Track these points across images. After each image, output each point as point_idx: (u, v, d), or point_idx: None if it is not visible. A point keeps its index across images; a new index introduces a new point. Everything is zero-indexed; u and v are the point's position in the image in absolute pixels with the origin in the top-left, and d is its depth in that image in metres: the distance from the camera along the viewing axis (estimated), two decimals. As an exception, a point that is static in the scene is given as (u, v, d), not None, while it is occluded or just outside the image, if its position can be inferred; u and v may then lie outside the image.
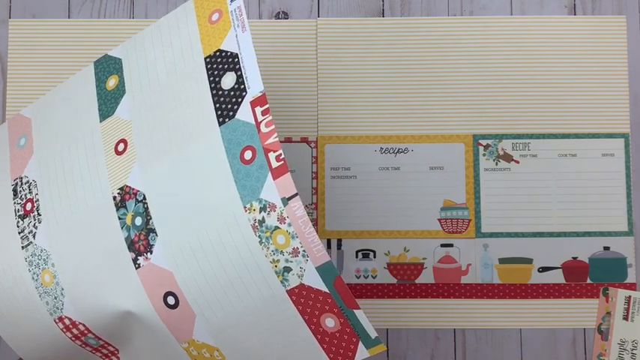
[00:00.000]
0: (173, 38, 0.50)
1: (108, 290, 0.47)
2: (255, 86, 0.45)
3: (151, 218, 0.46)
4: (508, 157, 0.62)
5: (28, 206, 0.51)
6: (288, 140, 0.62)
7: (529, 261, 0.61)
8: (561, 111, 0.62)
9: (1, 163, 0.53)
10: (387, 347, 0.61)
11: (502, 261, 0.61)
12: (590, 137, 0.62)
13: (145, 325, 0.47)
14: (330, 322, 0.44)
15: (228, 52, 0.47)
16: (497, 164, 0.62)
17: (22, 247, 0.51)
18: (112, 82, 0.51)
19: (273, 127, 0.43)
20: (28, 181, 0.52)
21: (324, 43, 0.62)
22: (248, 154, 0.44)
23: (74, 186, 0.50)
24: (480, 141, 0.62)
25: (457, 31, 0.63)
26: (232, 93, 0.46)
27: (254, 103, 0.44)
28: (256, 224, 0.43)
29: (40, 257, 0.50)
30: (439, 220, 0.61)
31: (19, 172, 0.53)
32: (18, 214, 0.52)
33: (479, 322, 0.61)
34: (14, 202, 0.52)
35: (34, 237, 0.50)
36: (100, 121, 0.51)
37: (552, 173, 0.62)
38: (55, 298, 0.49)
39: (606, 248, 0.61)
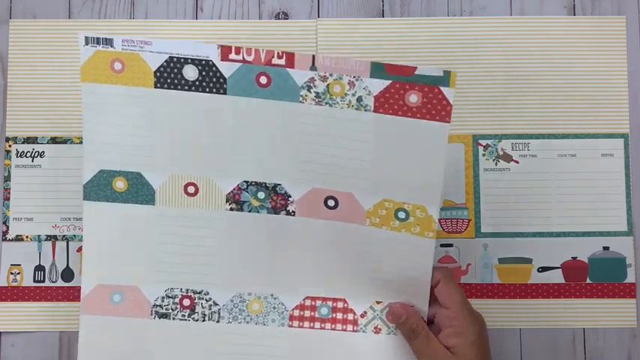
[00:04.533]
0: None
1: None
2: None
3: None
4: (508, 157, 0.62)
5: None
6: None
7: (529, 261, 0.61)
8: (561, 111, 0.62)
9: None
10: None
11: (502, 261, 0.61)
12: (589, 137, 0.62)
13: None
14: (413, 99, 0.49)
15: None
16: (496, 164, 0.62)
17: None
18: None
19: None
20: None
21: (324, 43, 0.62)
22: None
23: None
24: (480, 141, 0.62)
25: (457, 31, 0.63)
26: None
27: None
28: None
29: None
30: (439, 220, 0.61)
31: None
32: None
33: (479, 322, 0.61)
34: None
35: None
36: None
37: (552, 173, 0.62)
38: (274, 307, 0.54)
39: (606, 248, 0.61)
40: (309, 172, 0.52)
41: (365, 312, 0.53)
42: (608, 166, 0.62)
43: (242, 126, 0.51)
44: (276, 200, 0.52)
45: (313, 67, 0.49)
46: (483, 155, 0.62)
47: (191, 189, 0.52)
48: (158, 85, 0.50)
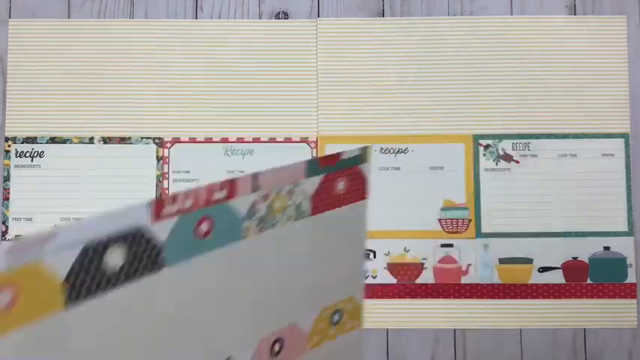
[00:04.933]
0: None
1: None
2: None
3: None
4: (508, 158, 0.62)
5: None
6: (288, 140, 0.62)
7: (529, 261, 0.61)
8: (561, 111, 0.62)
9: None
10: (387, 347, 0.61)
11: (502, 261, 0.61)
12: (590, 137, 0.62)
13: None
14: (340, 186, 0.45)
15: None
16: (497, 164, 0.62)
17: None
18: None
19: None
20: None
21: (324, 43, 0.62)
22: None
23: None
24: (480, 141, 0.62)
25: (457, 31, 0.63)
26: None
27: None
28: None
29: None
30: (439, 220, 0.61)
31: None
32: None
33: (479, 322, 0.61)
34: None
35: None
36: None
37: (552, 173, 0.62)
38: None
39: (606, 248, 0.61)
40: (255, 325, 0.42)
41: None
42: (608, 166, 0.62)
43: (182, 305, 0.37)
44: None
45: (255, 187, 0.39)
46: (484, 155, 0.62)
47: None
48: (71, 300, 0.30)
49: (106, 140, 0.62)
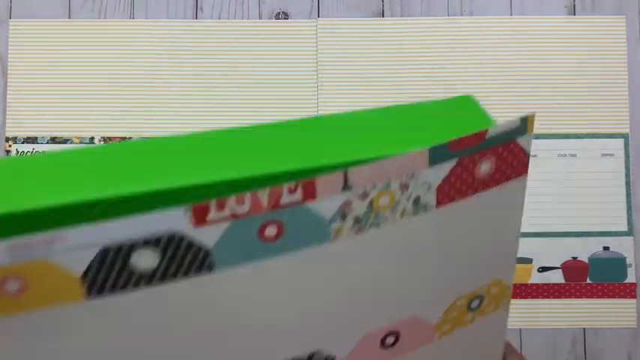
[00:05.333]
0: None
1: None
2: None
3: None
4: (508, 157, 0.62)
5: None
6: (288, 140, 0.62)
7: (529, 261, 0.61)
8: (561, 111, 0.62)
9: None
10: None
11: (502, 261, 0.61)
12: (590, 137, 0.62)
13: None
14: (484, 168, 0.37)
15: None
16: (497, 164, 0.62)
17: None
18: None
19: None
20: None
21: (324, 43, 0.62)
22: None
23: None
24: (480, 141, 0.62)
25: (457, 31, 0.63)
26: None
27: None
28: None
29: None
30: (439, 220, 0.61)
31: None
32: None
33: (479, 322, 0.61)
34: None
35: None
36: None
37: (552, 173, 0.62)
38: None
39: (606, 248, 0.61)
40: (354, 322, 0.40)
41: None
42: (608, 166, 0.62)
43: (241, 310, 0.35)
44: None
45: (346, 187, 0.34)
46: (483, 155, 0.62)
47: None
48: (92, 293, 0.30)
49: (106, 140, 0.62)
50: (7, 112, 0.62)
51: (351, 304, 0.38)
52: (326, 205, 0.32)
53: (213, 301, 0.33)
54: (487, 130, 0.34)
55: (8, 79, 0.62)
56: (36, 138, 0.62)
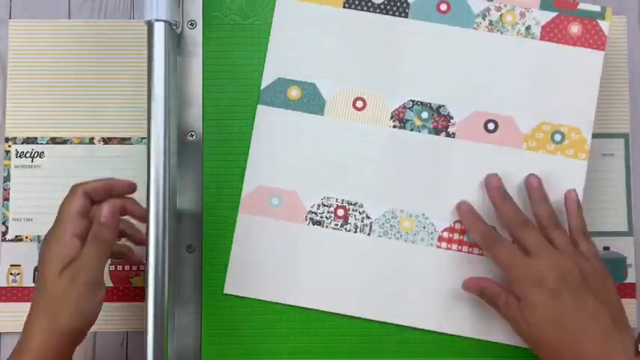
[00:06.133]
0: None
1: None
2: None
3: None
4: (508, 157, 0.62)
5: None
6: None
7: (529, 261, 0.61)
8: (561, 111, 0.62)
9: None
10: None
11: (502, 261, 0.61)
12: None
13: None
14: (574, 29, 0.58)
15: None
16: (497, 164, 0.62)
17: None
18: None
19: None
20: None
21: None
22: None
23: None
24: (480, 141, 0.62)
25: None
26: None
27: None
28: None
29: None
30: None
31: None
32: None
33: (479, 322, 0.61)
34: None
35: None
36: None
37: (552, 173, 0.62)
38: (424, 227, 0.57)
39: (606, 248, 0.61)
40: (472, 96, 0.57)
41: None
42: (609, 166, 0.62)
43: (417, 48, 0.57)
44: (438, 121, 0.57)
45: None
46: (483, 155, 0.62)
47: (359, 103, 0.57)
48: (347, 5, 0.58)
49: (106, 140, 0.62)
50: (7, 112, 0.62)
51: (470, 85, 0.57)
52: (477, 4, 0.57)
53: (402, 34, 0.58)
54: (579, 3, 0.57)
55: (8, 80, 0.62)
56: (36, 138, 0.62)
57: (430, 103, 0.57)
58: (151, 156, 0.52)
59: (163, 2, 0.54)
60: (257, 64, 0.59)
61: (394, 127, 0.57)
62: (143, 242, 0.52)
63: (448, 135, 0.57)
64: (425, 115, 0.57)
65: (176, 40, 0.59)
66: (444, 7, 0.57)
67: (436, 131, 0.57)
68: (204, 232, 0.58)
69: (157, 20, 0.53)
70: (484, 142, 0.57)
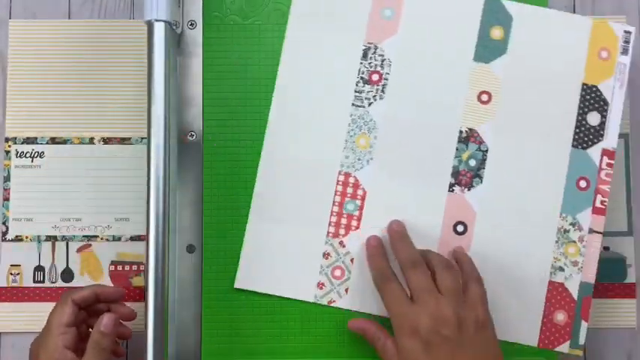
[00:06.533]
0: (566, 42, 0.59)
1: (415, 185, 0.57)
2: (611, 140, 0.58)
3: (484, 168, 0.58)
4: (508, 157, 0.62)
5: (375, 77, 0.58)
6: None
7: (529, 261, 0.61)
8: (561, 111, 0.62)
9: (355, 18, 0.58)
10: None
11: (502, 261, 0.61)
12: (590, 137, 0.62)
13: (420, 230, 0.57)
14: (560, 317, 0.57)
15: (602, 95, 0.58)
16: (497, 164, 0.62)
17: (353, 105, 0.58)
18: (497, 33, 0.59)
19: (610, 179, 0.58)
20: (382, 55, 0.58)
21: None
22: (583, 183, 0.57)
23: (424, 97, 0.58)
24: (480, 141, 0.62)
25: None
26: (592, 131, 0.58)
27: (605, 152, 0.58)
28: (561, 229, 0.57)
29: (365, 123, 0.58)
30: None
31: (375, 39, 0.59)
32: (361, 75, 0.58)
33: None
34: (361, 62, 0.58)
35: (368, 105, 0.58)
36: (473, 60, 0.58)
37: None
38: (359, 159, 0.58)
39: (606, 248, 0.61)
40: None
41: None
42: (609, 166, 0.62)
43: None
44: None
45: (592, 232, 0.58)
46: (483, 155, 0.62)
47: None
48: None
49: (106, 140, 0.62)
50: (7, 112, 0.62)
51: None
52: None
53: None
54: None
55: (8, 80, 0.62)
56: (36, 138, 0.62)
57: None
58: (151, 156, 0.52)
59: (163, 2, 0.54)
60: (257, 64, 0.59)
61: None
62: (129, 337, 0.56)
63: None
64: None
65: (176, 40, 0.59)
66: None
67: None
68: (204, 232, 0.58)
69: (156, 20, 0.53)
70: None
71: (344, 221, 0.57)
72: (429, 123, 0.58)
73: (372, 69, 0.58)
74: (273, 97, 0.58)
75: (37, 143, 0.62)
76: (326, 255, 0.57)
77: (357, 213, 0.57)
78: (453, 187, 0.57)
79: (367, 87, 0.58)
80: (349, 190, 0.57)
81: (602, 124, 0.58)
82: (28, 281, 0.61)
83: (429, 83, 0.58)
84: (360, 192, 0.57)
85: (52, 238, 0.61)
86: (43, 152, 0.61)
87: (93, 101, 0.62)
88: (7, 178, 0.61)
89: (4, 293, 0.61)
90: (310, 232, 0.57)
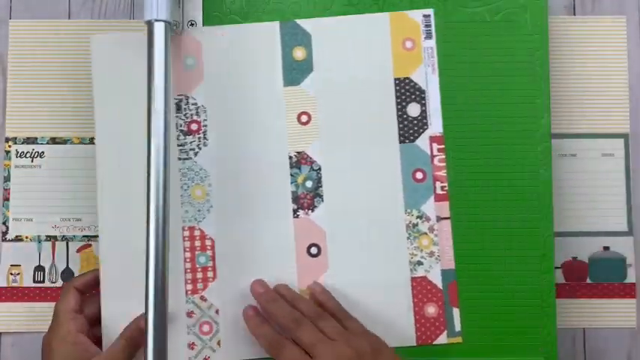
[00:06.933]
0: (368, 43, 0.58)
1: (260, 220, 0.57)
2: (436, 126, 0.58)
3: (321, 186, 0.57)
4: (508, 157, 0.62)
5: (194, 126, 0.58)
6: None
7: (529, 261, 0.61)
8: (561, 111, 0.62)
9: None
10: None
11: (502, 261, 0.61)
12: (589, 137, 0.62)
13: (276, 262, 0.57)
14: (430, 310, 0.57)
15: (417, 84, 0.58)
16: (497, 164, 0.62)
17: (179, 159, 0.57)
18: (299, 54, 0.58)
19: (444, 164, 0.57)
20: (195, 104, 0.58)
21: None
22: (419, 175, 0.57)
23: (246, 133, 0.57)
24: (480, 141, 0.62)
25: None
26: (415, 122, 0.58)
27: (432, 139, 0.58)
28: (410, 225, 0.57)
29: (196, 173, 0.57)
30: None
31: (185, 90, 0.58)
32: (180, 128, 0.58)
33: (479, 322, 0.61)
34: (176, 116, 0.58)
35: (195, 155, 0.57)
36: (284, 86, 0.58)
37: (552, 173, 0.62)
38: (199, 210, 0.57)
39: (606, 248, 0.61)
40: None
41: None
42: (608, 166, 0.62)
43: None
44: None
45: (439, 219, 0.58)
46: (483, 155, 0.62)
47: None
48: None
49: (106, 140, 0.62)
50: (7, 112, 0.62)
51: None
52: None
53: None
54: None
55: (8, 79, 0.62)
56: (36, 138, 0.62)
57: None
58: (151, 155, 0.52)
59: (163, 2, 0.54)
60: (256, 64, 0.59)
61: None
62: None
63: None
64: None
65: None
66: None
67: None
68: (203, 232, 0.58)
69: (156, 20, 0.53)
70: None
71: (200, 275, 0.56)
72: (258, 157, 0.57)
73: (189, 119, 0.57)
74: (98, 160, 0.56)
75: (37, 143, 0.62)
76: (190, 314, 0.56)
77: (210, 264, 0.56)
78: (297, 213, 0.57)
79: (189, 138, 0.57)
80: (197, 243, 0.56)
81: (424, 112, 0.57)
82: (28, 281, 0.61)
83: (247, 119, 0.57)
84: (208, 242, 0.56)
85: (52, 238, 0.61)
86: (43, 152, 0.61)
87: (93, 101, 0.62)
88: (7, 178, 0.61)
89: (4, 293, 0.61)
90: (169, 296, 0.53)
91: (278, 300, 0.54)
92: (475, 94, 0.59)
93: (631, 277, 0.61)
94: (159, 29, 0.53)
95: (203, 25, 0.59)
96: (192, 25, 0.59)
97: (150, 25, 0.53)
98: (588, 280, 0.61)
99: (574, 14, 0.63)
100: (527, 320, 0.57)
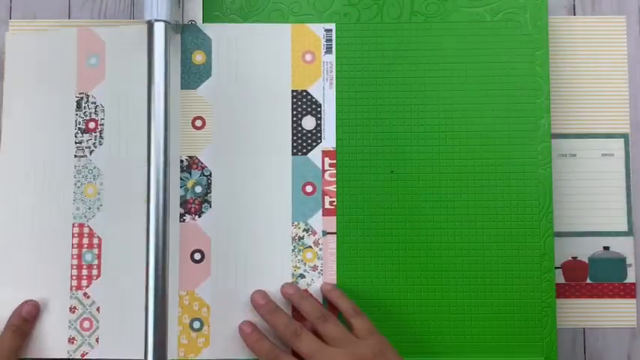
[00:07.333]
0: (268, 53, 0.59)
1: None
2: (329, 141, 0.58)
3: (210, 193, 0.58)
4: (508, 157, 0.62)
5: (91, 125, 0.58)
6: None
7: (529, 261, 0.61)
8: (561, 111, 0.62)
9: (64, 68, 0.59)
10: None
11: (502, 261, 0.61)
12: (589, 137, 0.62)
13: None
14: None
15: (313, 97, 0.58)
16: (497, 164, 0.62)
17: (75, 156, 0.58)
18: (199, 57, 0.59)
19: (334, 179, 0.58)
20: (95, 103, 0.59)
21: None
22: (309, 188, 0.58)
23: (139, 135, 0.57)
24: (480, 141, 0.62)
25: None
26: (309, 135, 0.58)
27: (325, 154, 0.58)
28: (296, 237, 0.58)
29: (90, 172, 0.58)
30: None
31: (86, 88, 0.59)
32: (78, 125, 0.58)
33: (479, 322, 0.61)
34: (76, 113, 0.58)
35: (90, 153, 0.58)
36: (181, 89, 0.58)
37: (552, 173, 0.62)
38: (89, 208, 0.58)
39: (606, 248, 0.61)
40: None
41: None
42: (609, 166, 0.62)
43: None
44: None
45: (325, 234, 0.58)
46: (483, 155, 0.62)
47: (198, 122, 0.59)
48: None
49: (106, 140, 0.62)
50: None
51: None
52: None
53: None
54: None
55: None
56: (36, 138, 0.61)
57: None
58: (151, 155, 0.52)
59: (163, 2, 0.54)
60: (256, 64, 0.59)
61: None
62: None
63: None
64: None
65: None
66: None
67: None
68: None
69: (156, 20, 0.53)
70: None
71: (85, 272, 0.57)
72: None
73: (88, 117, 0.58)
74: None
75: (37, 143, 0.61)
76: (72, 309, 0.57)
77: (96, 262, 0.57)
78: (184, 217, 0.57)
79: (86, 136, 0.58)
80: (85, 240, 0.57)
81: (319, 126, 0.58)
82: (28, 281, 0.61)
83: (141, 120, 0.56)
84: (95, 240, 0.57)
85: (51, 238, 0.61)
86: (43, 152, 0.61)
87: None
88: (7, 178, 0.61)
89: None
90: (54, 289, 0.57)
91: (278, 311, 0.55)
92: (475, 94, 0.59)
93: (631, 277, 0.61)
94: (159, 29, 0.53)
95: (202, 24, 0.59)
96: (192, 25, 0.59)
97: (150, 25, 0.54)
98: (588, 280, 0.61)
99: (574, 14, 0.63)
100: (527, 320, 0.57)
